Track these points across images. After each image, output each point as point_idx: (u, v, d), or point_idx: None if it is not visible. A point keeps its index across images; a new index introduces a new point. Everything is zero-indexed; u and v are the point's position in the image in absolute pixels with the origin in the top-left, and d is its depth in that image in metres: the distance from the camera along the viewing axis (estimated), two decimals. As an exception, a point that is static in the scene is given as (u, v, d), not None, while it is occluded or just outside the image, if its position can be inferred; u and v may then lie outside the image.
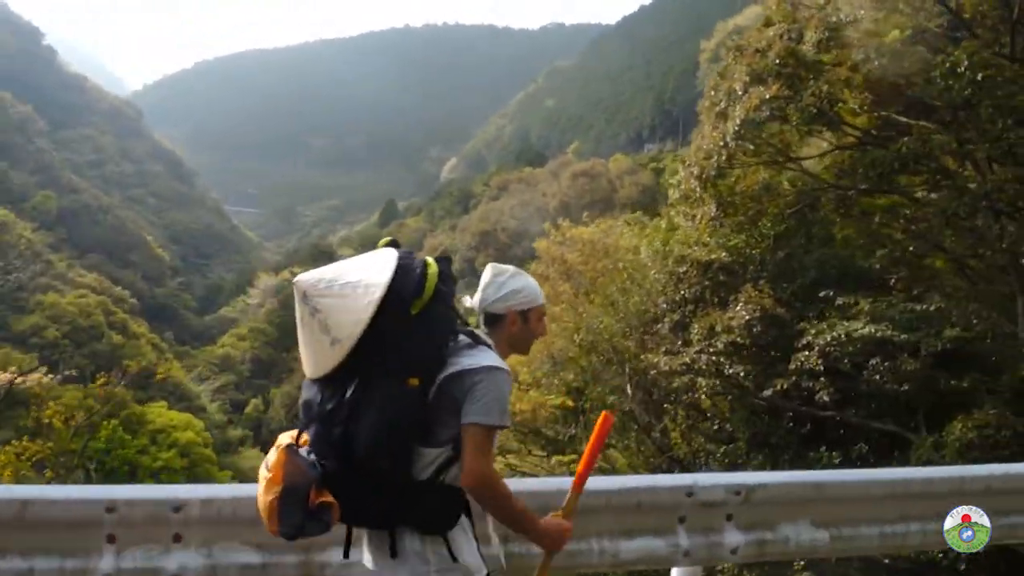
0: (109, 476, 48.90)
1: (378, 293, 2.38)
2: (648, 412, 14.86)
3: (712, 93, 14.13)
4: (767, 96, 12.07)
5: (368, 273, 2.44)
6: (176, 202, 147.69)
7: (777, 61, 12.20)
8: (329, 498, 2.43)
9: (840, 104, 12.84)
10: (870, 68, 13.92)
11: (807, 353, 12.47)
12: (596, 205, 59.57)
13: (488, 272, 2.86)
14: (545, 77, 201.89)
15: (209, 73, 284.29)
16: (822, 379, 12.34)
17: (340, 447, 2.42)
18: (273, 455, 2.53)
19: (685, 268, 14.65)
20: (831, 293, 13.05)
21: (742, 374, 12.91)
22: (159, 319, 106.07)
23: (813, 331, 12.64)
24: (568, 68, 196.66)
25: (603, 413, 2.92)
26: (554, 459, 17.52)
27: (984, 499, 4.01)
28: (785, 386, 12.44)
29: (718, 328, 13.28)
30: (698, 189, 14.19)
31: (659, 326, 14.64)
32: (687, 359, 12.92)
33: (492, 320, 2.81)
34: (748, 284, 13.56)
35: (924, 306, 12.55)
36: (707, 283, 14.32)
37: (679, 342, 13.95)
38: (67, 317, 71.20)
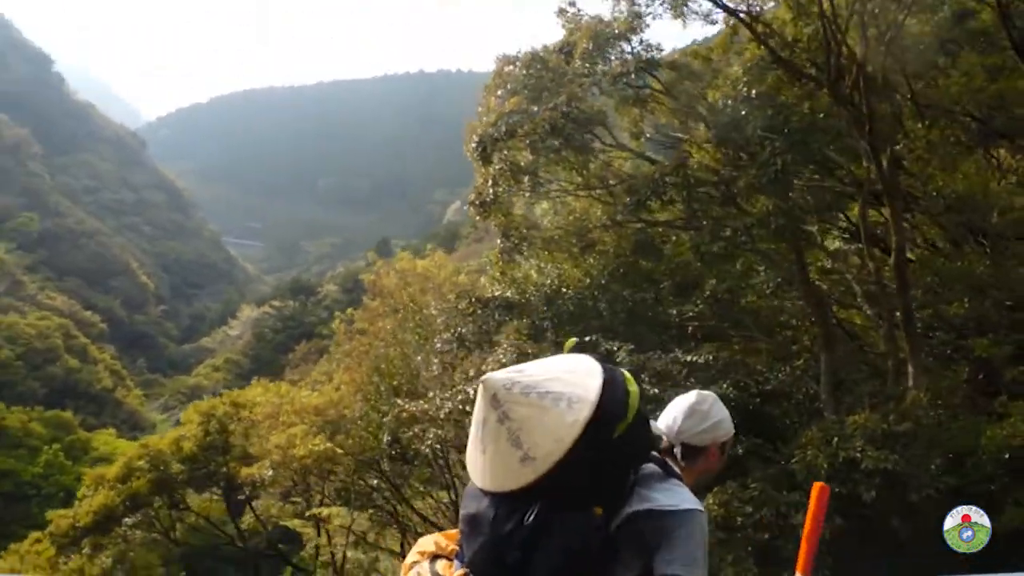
0: (46, 501, 47.55)
1: (585, 413, 2.05)
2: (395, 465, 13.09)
3: (479, 110, 12.54)
4: (507, 109, 10.43)
5: (571, 385, 2.11)
6: (172, 232, 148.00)
7: (524, 71, 10.58)
8: None
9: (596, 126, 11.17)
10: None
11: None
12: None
13: (691, 398, 2.74)
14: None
15: (222, 108, 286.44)
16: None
17: (515, 574, 2.10)
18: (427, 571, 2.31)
19: (465, 304, 12.95)
20: (594, 338, 11.29)
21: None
22: (136, 346, 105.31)
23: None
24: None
25: (817, 485, 2.74)
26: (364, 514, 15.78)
27: None
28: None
29: (471, 373, 11.54)
30: (478, 220, 12.55)
31: (432, 368, 12.92)
32: (426, 406, 11.14)
33: (691, 452, 2.67)
34: (512, 324, 11.84)
35: (694, 357, 10.76)
36: (481, 323, 12.61)
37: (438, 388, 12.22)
38: (23, 338, 69.93)
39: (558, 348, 12.58)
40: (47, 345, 71.28)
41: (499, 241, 12.99)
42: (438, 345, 12.87)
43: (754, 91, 10.05)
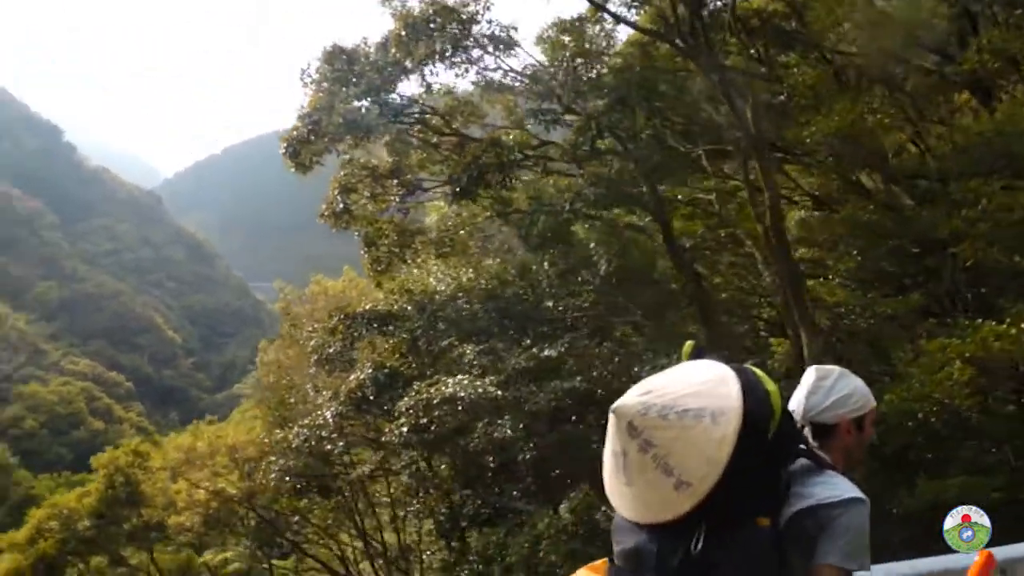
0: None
1: (734, 425, 1.90)
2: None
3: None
4: (308, 109, 9.68)
5: (709, 397, 1.94)
6: (196, 284, 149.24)
7: (327, 66, 9.81)
8: None
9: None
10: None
11: (400, 421, 9.81)
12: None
13: (811, 375, 2.57)
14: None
15: (237, 156, 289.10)
16: (409, 454, 9.68)
17: None
18: None
19: (335, 322, 12.14)
20: (447, 344, 10.43)
21: (336, 451, 10.30)
22: (168, 401, 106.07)
23: (414, 392, 9.99)
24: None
25: (984, 553, 2.61)
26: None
27: None
28: (371, 467, 9.80)
29: (328, 395, 10.74)
30: (331, 225, 11.77)
31: (308, 390, 12.17)
32: (280, 436, 10.39)
33: (821, 432, 2.50)
34: (369, 339, 11.02)
35: (549, 351, 9.82)
36: (349, 340, 11.80)
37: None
38: (45, 406, 70.66)
39: (432, 356, 11.69)
40: (70, 410, 71.93)
41: (362, 252, 12.19)
42: (311, 370, 12.13)
43: (567, 52, 9.17)
